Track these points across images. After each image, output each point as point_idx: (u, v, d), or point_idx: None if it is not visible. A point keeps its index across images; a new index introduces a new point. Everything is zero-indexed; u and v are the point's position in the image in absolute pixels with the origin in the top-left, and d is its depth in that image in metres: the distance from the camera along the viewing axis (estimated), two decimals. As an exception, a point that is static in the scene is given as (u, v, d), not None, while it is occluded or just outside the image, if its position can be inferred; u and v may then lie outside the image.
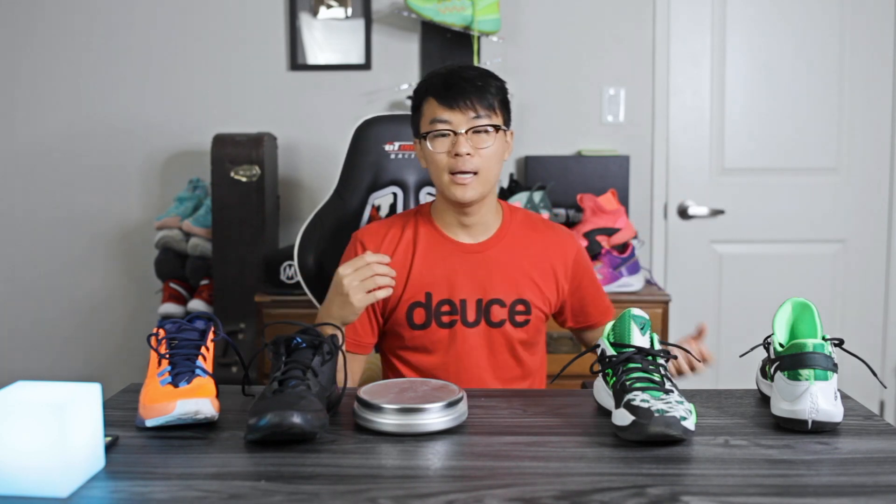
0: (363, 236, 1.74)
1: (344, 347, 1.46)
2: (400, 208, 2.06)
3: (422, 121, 1.67)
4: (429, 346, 1.70)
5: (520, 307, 1.71)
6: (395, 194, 2.13)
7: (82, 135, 3.11)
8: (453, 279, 1.69)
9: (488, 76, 1.66)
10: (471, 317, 1.69)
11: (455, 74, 1.65)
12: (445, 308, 1.70)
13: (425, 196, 2.08)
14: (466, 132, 1.62)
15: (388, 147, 2.10)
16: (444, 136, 1.63)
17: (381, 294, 1.54)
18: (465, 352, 1.70)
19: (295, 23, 3.04)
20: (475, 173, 1.63)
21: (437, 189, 1.70)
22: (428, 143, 1.64)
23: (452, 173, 1.63)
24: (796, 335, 1.34)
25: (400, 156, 2.08)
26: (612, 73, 3.08)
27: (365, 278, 1.53)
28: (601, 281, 2.62)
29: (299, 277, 2.07)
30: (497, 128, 1.65)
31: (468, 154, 1.61)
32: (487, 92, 1.64)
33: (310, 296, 2.04)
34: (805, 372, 1.24)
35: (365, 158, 2.10)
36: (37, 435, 1.01)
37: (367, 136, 2.10)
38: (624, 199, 2.93)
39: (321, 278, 2.01)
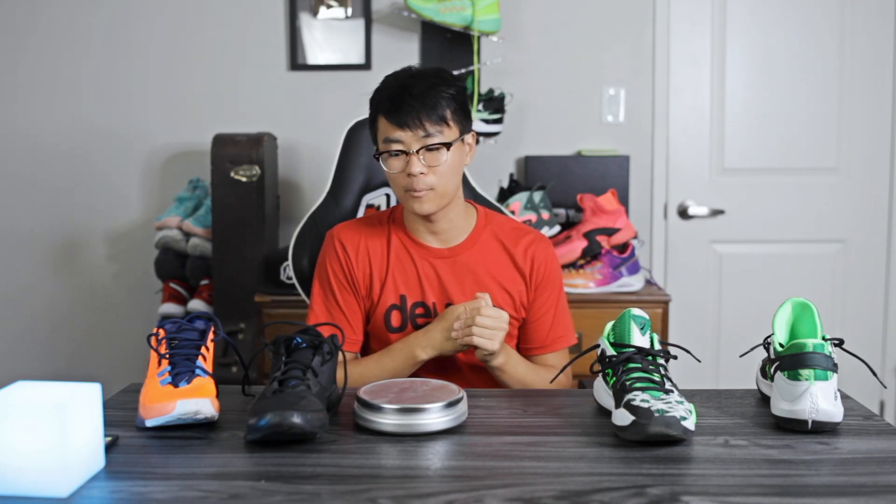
0: (341, 235, 1.74)
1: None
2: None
3: (377, 137, 1.65)
4: None
5: None
6: (388, 195, 2.13)
7: (82, 135, 3.11)
8: (424, 282, 1.70)
9: (439, 86, 1.60)
10: None
11: (403, 90, 1.59)
12: (419, 311, 1.71)
13: None
14: (418, 151, 1.59)
15: (380, 148, 2.09)
16: (396, 155, 1.61)
17: (474, 340, 1.59)
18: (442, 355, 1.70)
19: (295, 23, 3.04)
20: (431, 189, 1.61)
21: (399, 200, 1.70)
22: (382, 164, 1.63)
23: (407, 189, 1.62)
24: (796, 335, 1.34)
25: None
26: (612, 73, 3.07)
27: (497, 329, 1.58)
28: (600, 281, 2.63)
29: (294, 279, 2.07)
30: (449, 145, 1.61)
31: (422, 173, 1.59)
32: (437, 106, 1.59)
33: (304, 297, 2.04)
34: (805, 372, 1.24)
35: (357, 160, 2.10)
36: (37, 435, 1.01)
37: (359, 138, 2.10)
38: (624, 199, 2.93)
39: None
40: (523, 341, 1.77)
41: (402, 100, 1.59)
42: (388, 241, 1.73)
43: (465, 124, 1.66)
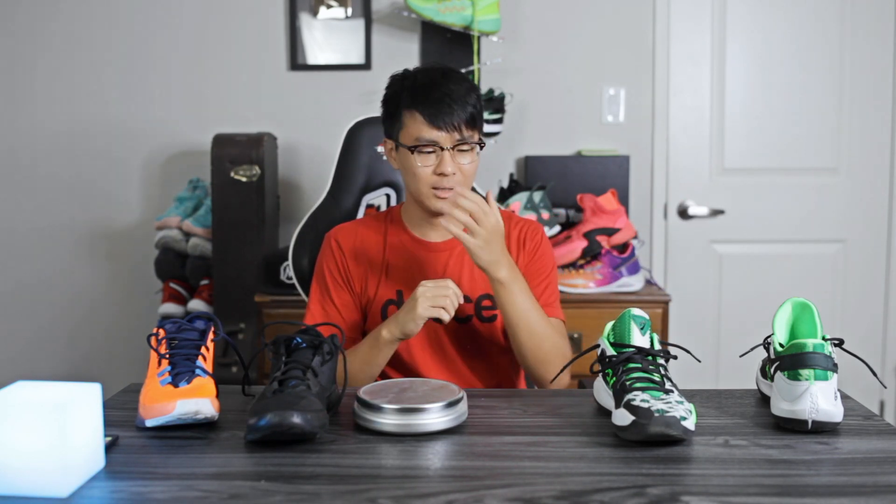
0: (338, 236, 1.76)
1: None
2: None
3: (403, 132, 1.66)
4: (404, 344, 1.69)
5: (486, 302, 1.71)
6: (388, 195, 2.13)
7: (82, 134, 3.11)
8: (422, 277, 1.70)
9: (472, 90, 1.65)
10: None
11: (440, 90, 1.62)
12: None
13: None
14: (452, 148, 1.62)
15: (380, 148, 2.10)
16: (428, 152, 1.63)
17: (444, 315, 1.55)
18: (439, 348, 1.70)
19: (295, 23, 3.04)
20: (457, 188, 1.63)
21: (414, 196, 1.70)
22: (405, 160, 1.64)
23: (434, 188, 1.63)
24: (796, 335, 1.34)
25: None
26: (612, 73, 3.07)
27: (438, 295, 1.55)
28: (600, 281, 2.63)
29: (294, 279, 2.07)
30: (481, 144, 1.66)
31: (453, 173, 1.62)
32: (472, 108, 1.64)
33: (304, 297, 2.04)
34: (805, 372, 1.24)
35: (357, 160, 2.11)
36: (37, 435, 1.01)
37: (359, 138, 2.11)
38: (624, 199, 2.93)
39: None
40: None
41: (441, 100, 1.62)
42: (385, 237, 1.75)
43: (482, 128, 1.70)
